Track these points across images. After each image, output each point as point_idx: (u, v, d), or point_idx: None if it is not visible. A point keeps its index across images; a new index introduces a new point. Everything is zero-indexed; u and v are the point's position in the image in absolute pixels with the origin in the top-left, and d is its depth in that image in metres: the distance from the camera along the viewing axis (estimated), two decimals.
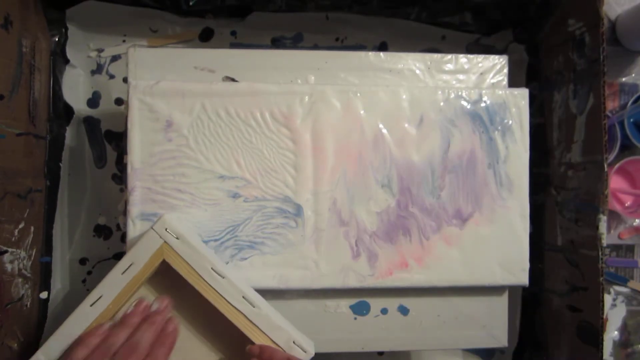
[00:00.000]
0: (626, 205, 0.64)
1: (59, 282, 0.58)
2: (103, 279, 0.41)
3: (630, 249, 0.64)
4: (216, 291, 0.40)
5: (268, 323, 0.40)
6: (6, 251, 0.49)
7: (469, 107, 0.48)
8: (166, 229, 0.41)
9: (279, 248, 0.46)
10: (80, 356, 0.36)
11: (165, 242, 0.41)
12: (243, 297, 0.41)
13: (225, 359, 0.44)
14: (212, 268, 0.41)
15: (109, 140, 0.60)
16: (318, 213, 0.46)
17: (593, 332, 0.49)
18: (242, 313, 0.40)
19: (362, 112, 0.47)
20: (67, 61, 0.59)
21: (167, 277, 0.43)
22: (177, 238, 0.41)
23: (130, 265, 0.40)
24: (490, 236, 0.48)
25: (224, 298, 0.40)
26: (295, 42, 0.63)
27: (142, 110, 0.45)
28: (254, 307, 0.41)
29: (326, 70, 0.49)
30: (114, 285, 0.40)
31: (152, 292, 0.43)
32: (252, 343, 0.40)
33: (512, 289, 0.53)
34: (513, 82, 0.55)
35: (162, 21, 0.61)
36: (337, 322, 0.49)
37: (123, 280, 0.40)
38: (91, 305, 0.39)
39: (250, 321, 0.40)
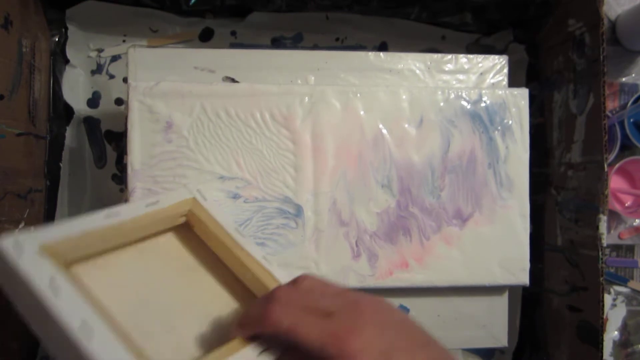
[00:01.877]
0: (626, 205, 0.64)
1: None
2: (127, 202, 0.41)
3: (630, 249, 0.64)
4: (239, 244, 0.40)
5: (279, 275, 0.40)
6: None
7: (469, 107, 0.48)
8: (198, 190, 0.42)
9: (279, 248, 0.46)
10: None
11: (194, 197, 0.41)
12: (263, 257, 0.40)
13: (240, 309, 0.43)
14: (236, 228, 0.41)
15: (109, 140, 0.60)
16: (318, 213, 0.46)
17: (593, 332, 0.49)
18: (261, 265, 0.39)
19: (362, 112, 0.47)
20: (67, 61, 0.59)
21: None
22: (205, 199, 0.41)
23: (157, 202, 0.40)
24: (490, 236, 0.49)
25: (246, 251, 0.40)
26: (295, 42, 0.63)
27: (141, 112, 0.45)
28: (270, 264, 0.40)
29: (326, 70, 0.49)
30: (133, 211, 0.38)
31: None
32: (266, 288, 0.39)
33: (512, 289, 0.53)
34: (513, 82, 0.55)
35: (162, 21, 0.61)
36: None
37: (144, 210, 0.39)
38: (106, 218, 0.36)
39: (267, 270, 0.39)
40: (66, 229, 0.32)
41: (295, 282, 0.33)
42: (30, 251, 0.28)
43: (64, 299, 0.26)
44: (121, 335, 0.27)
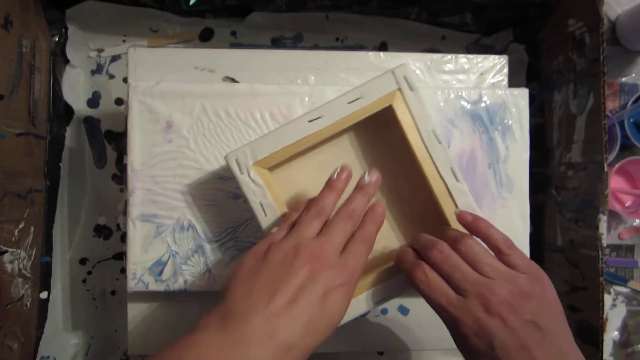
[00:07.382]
0: (626, 205, 0.64)
1: (59, 282, 0.58)
2: (327, 102, 0.39)
3: (630, 249, 0.64)
4: (429, 154, 0.39)
5: (465, 201, 0.39)
6: (6, 251, 0.49)
7: (469, 107, 0.48)
8: (405, 77, 0.39)
9: None
10: (293, 217, 0.35)
11: (399, 88, 0.39)
12: (451, 168, 0.39)
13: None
14: (432, 130, 0.39)
15: (109, 140, 0.60)
16: None
17: (593, 332, 0.49)
18: (444, 182, 0.39)
19: None
20: (67, 61, 0.59)
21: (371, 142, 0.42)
22: (411, 90, 0.39)
23: (358, 98, 0.39)
24: None
25: (434, 163, 0.39)
26: (295, 42, 0.63)
27: (142, 112, 0.45)
28: (457, 181, 0.39)
29: (326, 70, 0.49)
30: (336, 111, 0.38)
31: (355, 159, 0.42)
32: (443, 215, 0.39)
33: None
34: (513, 82, 0.55)
35: (162, 21, 0.61)
36: None
37: (347, 110, 0.38)
38: (309, 122, 0.38)
39: (449, 192, 0.39)
40: (272, 142, 0.38)
41: (456, 240, 0.35)
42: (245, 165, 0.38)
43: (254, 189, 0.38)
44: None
